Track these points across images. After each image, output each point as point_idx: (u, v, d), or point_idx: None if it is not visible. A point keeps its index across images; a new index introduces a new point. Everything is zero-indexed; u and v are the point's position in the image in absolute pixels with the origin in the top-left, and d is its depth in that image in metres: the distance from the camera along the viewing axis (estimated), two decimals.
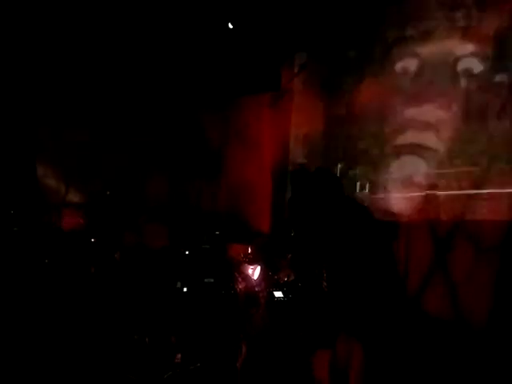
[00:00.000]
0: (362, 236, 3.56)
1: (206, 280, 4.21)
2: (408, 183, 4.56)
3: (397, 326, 3.75)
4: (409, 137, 4.61)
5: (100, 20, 5.52)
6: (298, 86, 5.71)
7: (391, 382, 3.53)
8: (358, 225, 3.59)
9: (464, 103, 4.26)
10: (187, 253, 4.60)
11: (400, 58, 4.73)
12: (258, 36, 5.70)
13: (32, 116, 6.01)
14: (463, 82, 4.29)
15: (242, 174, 6.05)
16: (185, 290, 4.22)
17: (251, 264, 4.42)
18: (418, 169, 4.50)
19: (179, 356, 3.89)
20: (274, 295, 4.05)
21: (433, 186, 4.37)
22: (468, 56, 4.28)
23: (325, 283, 3.68)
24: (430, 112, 4.45)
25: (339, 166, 5.05)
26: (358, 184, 4.90)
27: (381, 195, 4.72)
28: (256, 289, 4.23)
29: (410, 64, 4.66)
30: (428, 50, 4.52)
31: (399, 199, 4.62)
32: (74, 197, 6.00)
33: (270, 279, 4.25)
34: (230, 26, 5.49)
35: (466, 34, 4.30)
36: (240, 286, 4.22)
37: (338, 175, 4.91)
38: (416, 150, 4.53)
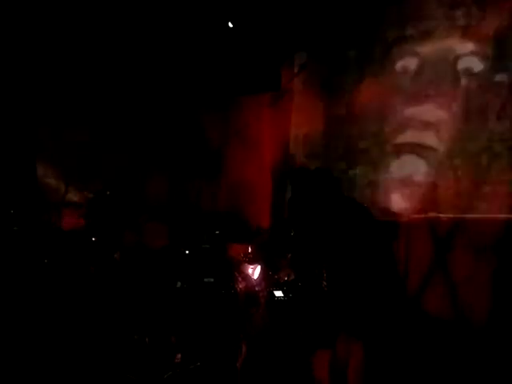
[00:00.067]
0: (362, 236, 3.55)
1: (205, 279, 4.21)
2: (408, 183, 4.56)
3: (397, 326, 3.74)
4: (409, 136, 4.61)
5: (100, 20, 5.52)
6: (298, 85, 5.71)
7: (391, 382, 3.53)
8: (357, 224, 3.58)
9: (464, 102, 4.26)
10: (187, 252, 4.59)
11: (400, 57, 4.73)
12: (258, 36, 5.69)
13: (32, 116, 6.01)
14: (463, 81, 4.30)
15: (242, 174, 6.05)
16: (185, 289, 4.21)
17: (251, 263, 4.42)
18: (418, 168, 4.50)
19: (179, 356, 3.88)
20: (274, 295, 4.05)
21: (433, 186, 4.38)
22: (468, 55, 4.28)
23: (325, 283, 3.67)
24: (430, 111, 4.46)
25: (339, 165, 5.06)
26: (358, 184, 4.91)
27: (381, 195, 4.72)
28: (256, 288, 4.23)
29: (410, 63, 4.67)
30: (428, 49, 4.53)
31: (399, 199, 4.62)
32: (73, 196, 6.00)
33: (270, 279, 4.24)
34: (230, 25, 5.49)
35: (466, 33, 4.31)
36: (240, 286, 4.22)
37: (338, 175, 4.91)
38: (416, 149, 4.53)
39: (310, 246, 3.86)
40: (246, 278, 4.31)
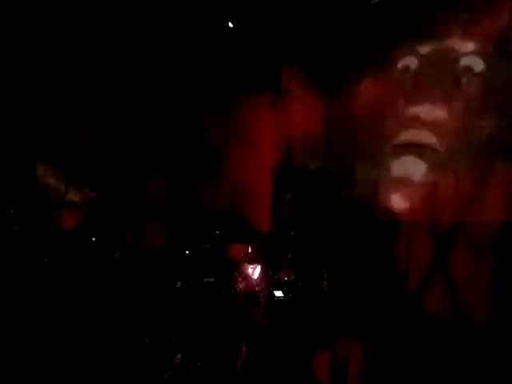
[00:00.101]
0: (362, 235, 3.55)
1: (206, 279, 4.21)
2: (408, 182, 4.56)
3: (397, 326, 3.74)
4: (409, 136, 4.61)
5: (100, 20, 5.52)
6: (298, 85, 5.70)
7: (391, 382, 3.53)
8: (357, 224, 3.58)
9: (464, 102, 4.26)
10: (187, 252, 4.59)
11: (400, 56, 4.73)
12: (258, 36, 5.69)
13: (32, 116, 6.01)
14: (464, 81, 4.29)
15: (242, 174, 6.04)
16: (185, 289, 4.21)
17: (251, 263, 4.42)
18: (418, 168, 4.50)
19: (179, 356, 3.88)
20: (274, 295, 4.05)
21: (433, 186, 4.37)
22: (468, 54, 4.28)
23: (325, 283, 3.67)
24: (430, 111, 4.45)
25: (339, 165, 5.06)
26: (359, 183, 4.90)
27: (381, 195, 4.72)
28: (256, 288, 4.23)
29: (410, 63, 4.66)
30: (428, 48, 4.52)
31: (399, 199, 4.62)
32: (73, 196, 6.00)
33: (270, 279, 4.24)
34: (231, 25, 5.49)
35: (467, 32, 4.30)
36: (240, 286, 4.22)
37: (338, 175, 4.91)
38: (416, 149, 4.53)
39: (310, 245, 3.86)
40: (246, 277, 4.31)
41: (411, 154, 4.58)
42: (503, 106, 4.06)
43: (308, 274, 3.90)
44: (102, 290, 4.30)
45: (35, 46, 5.67)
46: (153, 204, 6.05)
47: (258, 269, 4.36)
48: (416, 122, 4.55)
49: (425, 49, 4.57)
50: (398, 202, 4.63)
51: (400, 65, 4.73)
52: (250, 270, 4.37)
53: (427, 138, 4.47)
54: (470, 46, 4.28)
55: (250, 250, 4.65)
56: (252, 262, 4.45)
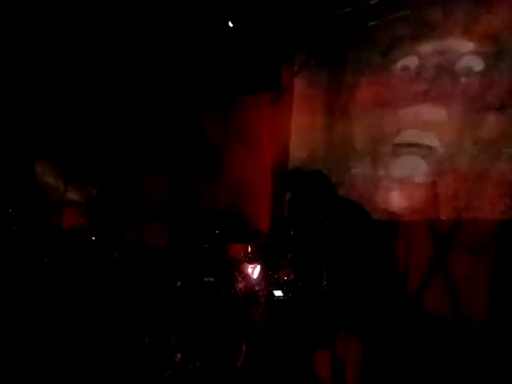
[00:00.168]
0: (362, 235, 3.56)
1: (205, 279, 4.21)
2: (408, 182, 4.55)
3: (397, 326, 3.75)
4: (409, 136, 4.61)
5: (100, 20, 5.52)
6: (298, 84, 5.70)
7: (390, 381, 3.53)
8: (357, 224, 3.59)
9: (464, 102, 4.26)
10: (187, 252, 4.59)
11: (400, 56, 4.73)
12: (258, 35, 5.69)
13: (31, 114, 6.00)
14: (463, 81, 4.29)
15: (241, 173, 6.05)
16: (184, 288, 4.21)
17: (251, 263, 4.42)
18: (418, 168, 4.50)
19: (179, 355, 3.89)
20: (273, 294, 4.05)
21: (433, 185, 4.37)
22: (468, 54, 4.27)
23: (325, 282, 3.67)
24: (430, 110, 4.45)
25: (339, 164, 5.06)
26: (358, 183, 4.90)
27: (381, 195, 4.72)
28: (256, 288, 4.23)
29: (410, 62, 4.66)
30: (428, 48, 4.52)
31: (399, 198, 4.62)
32: (73, 195, 6.00)
33: (269, 278, 4.24)
34: (230, 24, 5.49)
35: (467, 32, 4.29)
36: (240, 285, 4.22)
37: (338, 174, 4.92)
38: (416, 148, 4.53)
39: (310, 245, 3.86)
40: (246, 277, 4.31)
41: (411, 154, 4.58)
42: (503, 106, 4.06)
43: (308, 273, 3.90)
44: (102, 290, 4.30)
45: (36, 47, 5.66)
46: (152, 203, 6.06)
47: (258, 268, 4.36)
48: (416, 122, 4.54)
49: (425, 48, 4.56)
50: (397, 202, 4.63)
51: (400, 64, 4.73)
52: (249, 270, 4.37)
53: (427, 138, 4.46)
54: (469, 45, 4.27)
55: (249, 250, 4.66)
56: (252, 261, 4.45)
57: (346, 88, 5.19)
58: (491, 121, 4.11)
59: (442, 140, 4.38)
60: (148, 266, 4.53)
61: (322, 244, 3.68)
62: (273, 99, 5.97)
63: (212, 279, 4.20)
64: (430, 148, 4.46)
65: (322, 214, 3.66)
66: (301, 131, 5.56)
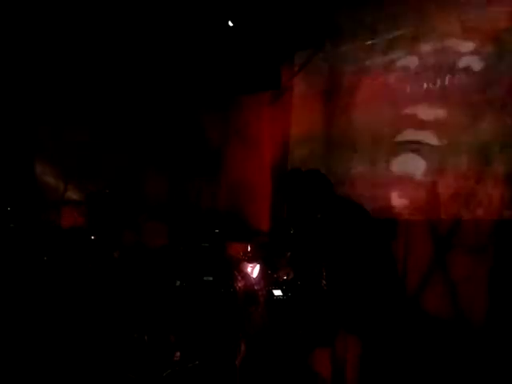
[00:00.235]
0: (361, 235, 3.55)
1: (205, 278, 4.21)
2: (408, 181, 4.55)
3: (396, 325, 3.74)
4: (409, 135, 4.61)
5: (100, 20, 5.52)
6: (298, 84, 5.71)
7: (390, 380, 3.52)
8: (356, 223, 3.58)
9: (464, 101, 4.25)
10: (186, 251, 4.59)
11: (400, 56, 4.73)
12: (258, 34, 5.70)
13: (30, 114, 6.00)
14: (463, 80, 4.29)
15: (241, 173, 6.05)
16: (184, 288, 4.21)
17: (250, 262, 4.42)
18: (418, 167, 4.49)
19: (178, 354, 3.88)
20: (273, 294, 4.05)
21: (432, 185, 4.37)
22: (468, 54, 4.27)
23: (324, 282, 3.66)
24: (429, 110, 4.45)
25: (339, 164, 5.06)
26: (358, 182, 4.90)
27: (380, 193, 4.72)
28: (255, 287, 4.23)
29: (410, 62, 4.66)
30: (428, 47, 4.52)
31: (399, 197, 4.62)
32: (73, 195, 6.00)
33: (269, 278, 4.24)
34: (230, 24, 5.49)
35: (467, 31, 4.29)
36: (239, 285, 4.21)
37: (338, 174, 4.92)
38: (416, 148, 4.53)
39: (310, 244, 3.86)
40: (246, 276, 4.31)
41: (411, 153, 4.58)
42: (503, 105, 4.05)
43: (307, 273, 3.90)
44: (101, 289, 4.30)
45: (36, 47, 5.67)
46: (152, 203, 6.06)
47: (257, 268, 4.36)
48: (416, 120, 4.55)
49: (425, 47, 4.56)
50: (397, 201, 4.63)
51: (400, 64, 4.73)
52: (249, 269, 4.37)
53: (427, 137, 4.46)
54: (469, 45, 4.27)
55: (249, 249, 4.66)
56: (251, 260, 4.45)
57: (345, 88, 5.19)
58: (491, 120, 4.11)
59: (442, 139, 4.38)
60: (148, 266, 4.53)
61: (321, 243, 3.67)
62: (273, 99, 5.98)
63: (211, 278, 4.20)
64: (429, 147, 4.46)
65: (321, 214, 3.65)
66: (300, 131, 5.56)
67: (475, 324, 3.94)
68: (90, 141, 6.14)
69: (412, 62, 4.67)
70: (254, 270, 4.36)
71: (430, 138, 4.44)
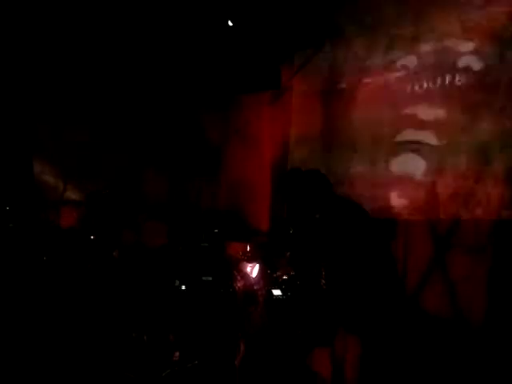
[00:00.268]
0: (361, 234, 3.55)
1: (204, 278, 4.21)
2: (407, 181, 4.55)
3: (396, 325, 3.74)
4: (408, 135, 4.61)
5: (100, 19, 5.52)
6: (297, 84, 5.70)
7: (390, 380, 3.52)
8: (356, 223, 3.58)
9: (464, 101, 4.25)
10: (186, 251, 4.60)
11: (400, 55, 4.72)
12: (258, 34, 5.69)
13: (30, 113, 6.00)
14: (463, 80, 4.29)
15: (241, 173, 6.05)
16: (183, 288, 4.22)
17: (250, 262, 4.42)
18: (417, 167, 4.49)
19: (177, 354, 3.89)
20: (272, 293, 4.05)
21: (432, 184, 4.37)
22: (468, 54, 4.27)
23: (323, 281, 3.66)
24: (429, 110, 4.45)
25: (338, 163, 5.06)
26: (358, 182, 4.90)
27: (380, 193, 4.72)
28: (254, 287, 4.23)
29: (409, 62, 4.66)
30: (427, 47, 4.52)
31: (398, 197, 4.62)
32: (72, 194, 6.00)
33: (268, 277, 4.24)
34: (230, 24, 5.49)
35: (466, 31, 4.29)
36: (238, 284, 4.22)
37: (338, 173, 4.92)
38: (415, 148, 4.53)
39: (309, 244, 3.86)
40: (245, 276, 4.31)
41: (410, 153, 4.58)
42: (502, 105, 4.05)
43: (306, 272, 3.90)
44: (101, 288, 4.30)
45: (36, 46, 5.66)
46: (152, 203, 6.06)
47: (257, 267, 4.36)
48: (415, 120, 4.54)
49: (424, 47, 4.56)
50: (396, 201, 4.63)
51: (399, 64, 4.73)
52: (248, 269, 4.37)
53: (426, 136, 4.46)
54: (469, 45, 4.27)
55: (248, 249, 4.66)
56: (251, 260, 4.45)
57: (345, 87, 5.19)
58: (490, 120, 4.10)
59: (442, 139, 4.38)
60: (147, 266, 4.53)
61: (320, 243, 3.67)
62: (273, 99, 5.98)
63: (210, 278, 4.20)
64: (429, 147, 4.46)
65: (320, 214, 3.65)
66: (300, 131, 5.56)
67: (474, 323, 3.94)
68: (89, 140, 6.14)
69: (412, 61, 4.67)
70: (253, 270, 4.36)
71: (429, 137, 4.44)
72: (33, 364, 3.70)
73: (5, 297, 4.06)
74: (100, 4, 5.37)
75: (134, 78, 6.15)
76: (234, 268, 4.36)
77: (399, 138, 4.68)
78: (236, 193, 6.10)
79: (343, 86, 5.22)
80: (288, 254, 4.30)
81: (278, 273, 4.22)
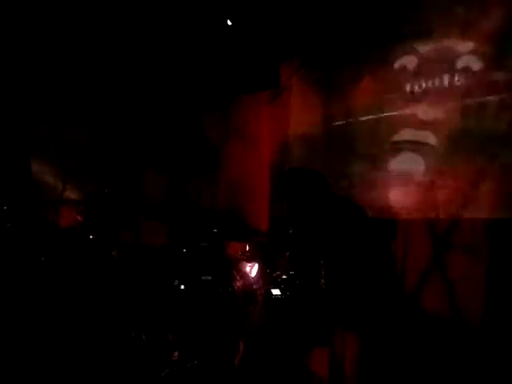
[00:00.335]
0: (360, 234, 3.56)
1: (203, 278, 4.21)
2: (406, 181, 4.55)
3: (395, 324, 3.74)
4: (407, 134, 4.61)
5: (100, 19, 5.51)
6: (296, 83, 5.70)
7: (389, 379, 3.53)
8: (355, 223, 3.58)
9: (463, 101, 4.25)
10: (185, 250, 4.60)
11: (399, 55, 4.72)
12: (257, 33, 5.69)
13: (29, 112, 5.99)
14: (462, 80, 4.29)
15: (240, 172, 6.05)
16: (182, 287, 4.22)
17: (249, 262, 4.42)
18: (417, 166, 4.49)
19: (176, 354, 3.89)
20: (271, 293, 4.05)
21: (431, 184, 4.37)
22: (467, 54, 4.27)
23: (323, 281, 3.67)
24: (428, 109, 4.45)
25: (337, 163, 5.06)
26: (357, 182, 4.90)
27: (379, 193, 4.72)
28: (254, 286, 4.23)
29: (408, 61, 4.66)
30: (427, 47, 4.52)
31: (397, 197, 4.62)
32: (71, 194, 6.00)
33: (267, 277, 4.25)
34: (229, 23, 5.48)
35: (466, 31, 4.29)
36: (238, 284, 4.22)
37: (337, 172, 4.92)
38: (414, 147, 4.53)
39: (308, 244, 3.86)
40: (244, 276, 4.32)
41: (409, 153, 4.58)
42: (501, 106, 4.05)
43: (306, 272, 3.90)
44: (100, 288, 4.30)
45: (36, 45, 5.66)
46: (151, 202, 6.06)
47: (256, 267, 4.36)
48: (414, 119, 4.54)
49: (424, 47, 4.56)
50: (396, 200, 4.63)
51: (398, 63, 4.73)
52: (247, 269, 4.37)
53: (425, 136, 4.46)
54: (468, 45, 4.27)
55: (247, 248, 4.67)
56: (250, 260, 4.45)
57: (344, 87, 5.18)
58: (490, 120, 4.10)
59: (441, 139, 4.38)
60: (146, 265, 4.53)
61: (320, 243, 3.67)
62: (272, 98, 5.98)
63: (210, 278, 4.20)
64: (428, 147, 4.45)
65: (319, 213, 3.65)
66: (299, 130, 5.56)
67: (473, 323, 3.95)
68: (89, 140, 6.14)
69: (411, 61, 4.66)
70: (252, 270, 4.37)
71: (428, 137, 4.44)
72: (32, 364, 3.70)
73: (3, 297, 4.06)
74: (100, 4, 5.36)
75: (134, 78, 6.15)
76: (233, 267, 4.37)
77: (398, 137, 4.68)
78: (235, 192, 6.11)
79: (342, 85, 5.22)
80: (287, 253, 4.30)
81: (278, 272, 4.22)
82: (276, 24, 5.50)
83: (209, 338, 3.94)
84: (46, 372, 3.66)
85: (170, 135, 6.40)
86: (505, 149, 3.97)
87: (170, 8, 5.42)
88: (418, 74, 4.59)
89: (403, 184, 4.57)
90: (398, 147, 4.68)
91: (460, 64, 4.32)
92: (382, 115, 4.79)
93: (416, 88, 4.60)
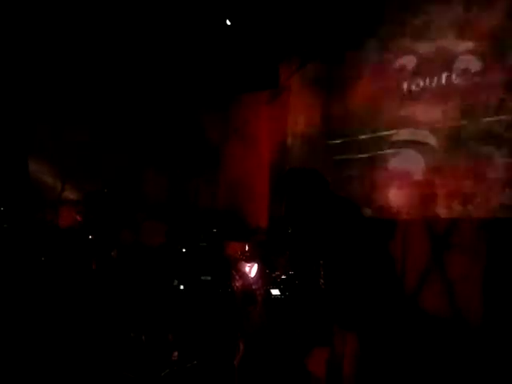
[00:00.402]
0: (359, 233, 3.55)
1: (203, 278, 4.21)
2: (405, 181, 4.55)
3: (394, 324, 3.74)
4: (406, 134, 4.60)
5: (100, 19, 5.52)
6: (296, 83, 5.70)
7: (388, 379, 3.53)
8: (355, 222, 3.58)
9: (461, 101, 4.25)
10: (184, 250, 4.60)
11: (397, 55, 4.72)
12: (257, 33, 5.69)
13: (28, 112, 5.99)
14: (460, 80, 4.28)
15: (240, 172, 6.06)
16: (182, 287, 4.22)
17: (248, 261, 4.42)
18: (416, 167, 4.49)
19: (176, 354, 3.89)
20: (271, 293, 4.05)
21: (430, 184, 4.37)
22: (465, 54, 4.27)
23: (322, 281, 3.66)
24: (427, 109, 4.45)
25: (337, 163, 5.06)
26: (356, 182, 4.90)
27: (378, 193, 4.72)
28: (253, 286, 4.23)
29: (407, 62, 4.66)
30: (425, 47, 4.51)
31: (397, 196, 4.62)
32: (70, 194, 6.00)
33: (267, 277, 4.25)
34: (228, 23, 5.48)
35: (464, 31, 4.29)
36: (237, 284, 4.22)
37: (336, 172, 4.92)
38: (413, 147, 4.53)
39: (307, 243, 3.86)
40: (243, 276, 4.32)
41: (408, 152, 4.58)
42: (500, 105, 4.05)
43: (305, 272, 3.90)
44: (99, 288, 4.30)
45: (36, 45, 5.66)
46: (151, 202, 6.07)
47: (255, 267, 4.37)
48: (413, 119, 4.54)
49: (422, 47, 4.56)
50: (395, 200, 4.63)
51: (397, 63, 4.73)
52: (247, 268, 4.38)
53: (424, 135, 4.46)
54: (467, 45, 4.27)
55: (247, 248, 4.67)
56: (249, 260, 4.45)
57: (343, 86, 5.18)
58: (488, 120, 4.10)
59: (440, 139, 4.38)
60: (146, 265, 4.53)
61: (319, 242, 3.67)
62: (271, 98, 5.98)
63: (209, 278, 4.20)
64: (427, 147, 4.45)
65: (318, 213, 3.65)
66: (299, 129, 5.56)
67: (472, 322, 3.94)
68: (89, 140, 6.14)
69: (410, 61, 4.66)
70: (251, 270, 4.37)
71: (427, 137, 4.43)
72: (32, 364, 3.70)
73: (3, 297, 4.06)
74: (100, 4, 5.36)
75: (134, 78, 6.15)
76: (232, 267, 4.37)
77: (397, 137, 4.68)
78: (234, 192, 6.11)
79: (341, 85, 5.22)
80: (287, 253, 4.30)
81: (277, 272, 4.23)
82: (275, 24, 5.50)
83: (208, 338, 3.94)
84: (46, 372, 3.66)
85: (169, 135, 6.40)
86: (503, 148, 3.97)
87: (170, 8, 5.42)
88: (416, 73, 4.59)
89: (402, 184, 4.57)
90: (397, 147, 4.67)
91: (458, 64, 4.32)
92: (381, 115, 4.79)
93: (415, 87, 4.59)
